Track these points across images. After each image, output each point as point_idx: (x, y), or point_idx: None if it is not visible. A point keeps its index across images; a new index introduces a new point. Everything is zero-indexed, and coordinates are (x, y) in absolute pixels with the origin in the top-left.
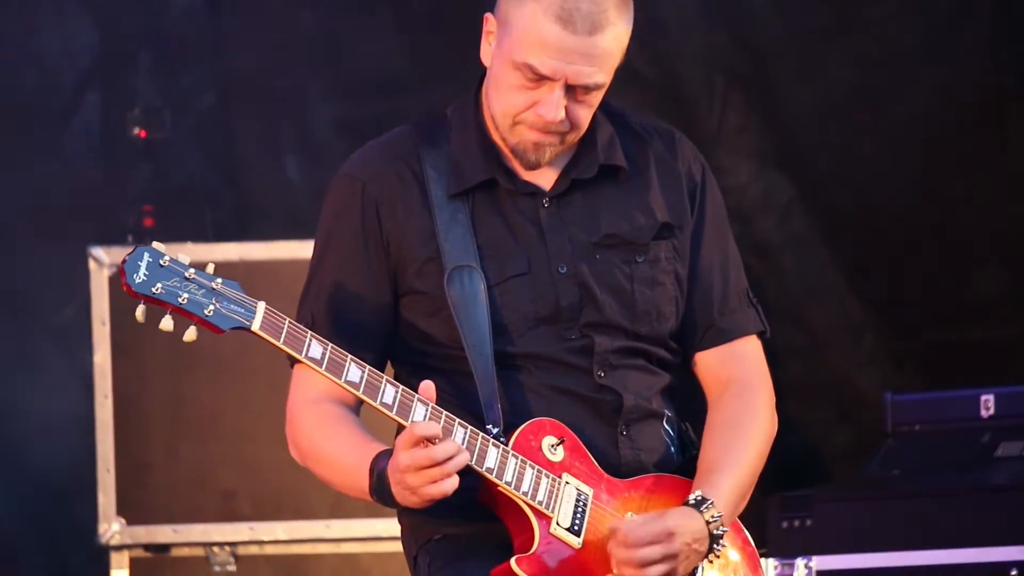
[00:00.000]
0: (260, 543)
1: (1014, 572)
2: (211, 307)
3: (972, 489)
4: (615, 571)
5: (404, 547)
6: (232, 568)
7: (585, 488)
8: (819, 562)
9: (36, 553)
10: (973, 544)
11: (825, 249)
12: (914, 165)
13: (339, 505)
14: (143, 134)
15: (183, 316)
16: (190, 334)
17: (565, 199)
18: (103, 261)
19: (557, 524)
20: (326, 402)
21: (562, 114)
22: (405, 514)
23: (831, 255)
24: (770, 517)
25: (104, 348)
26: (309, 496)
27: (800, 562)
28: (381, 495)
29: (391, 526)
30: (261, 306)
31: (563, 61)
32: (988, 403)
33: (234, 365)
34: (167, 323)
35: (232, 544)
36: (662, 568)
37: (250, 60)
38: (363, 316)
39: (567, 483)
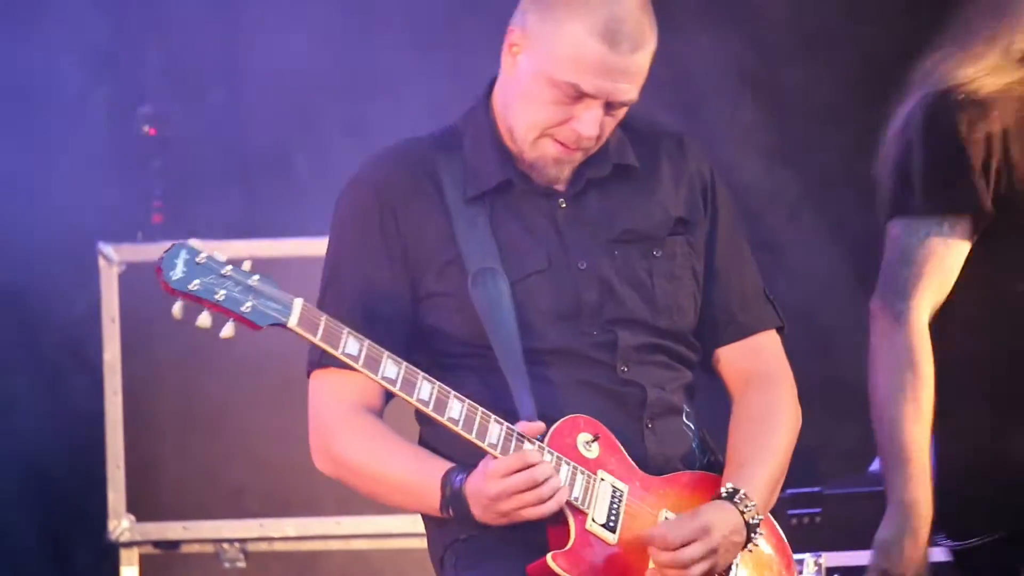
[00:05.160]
0: (270, 539)
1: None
2: (248, 304)
3: None
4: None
5: (429, 547)
6: (242, 564)
7: (620, 485)
8: (829, 558)
9: (46, 550)
10: None
11: (834, 247)
12: None
13: (348, 502)
14: (152, 131)
15: (220, 313)
16: (227, 331)
17: (581, 199)
18: (112, 258)
19: (593, 520)
20: (362, 414)
21: (599, 130)
22: (431, 522)
23: (839, 252)
24: (779, 513)
25: (114, 345)
26: (318, 493)
27: (810, 558)
28: (458, 511)
29: (401, 523)
30: (298, 303)
31: (608, 80)
32: None
33: (244, 362)
34: (204, 320)
35: (242, 540)
36: (704, 565)
37: (259, 57)
38: (388, 319)
39: (602, 480)
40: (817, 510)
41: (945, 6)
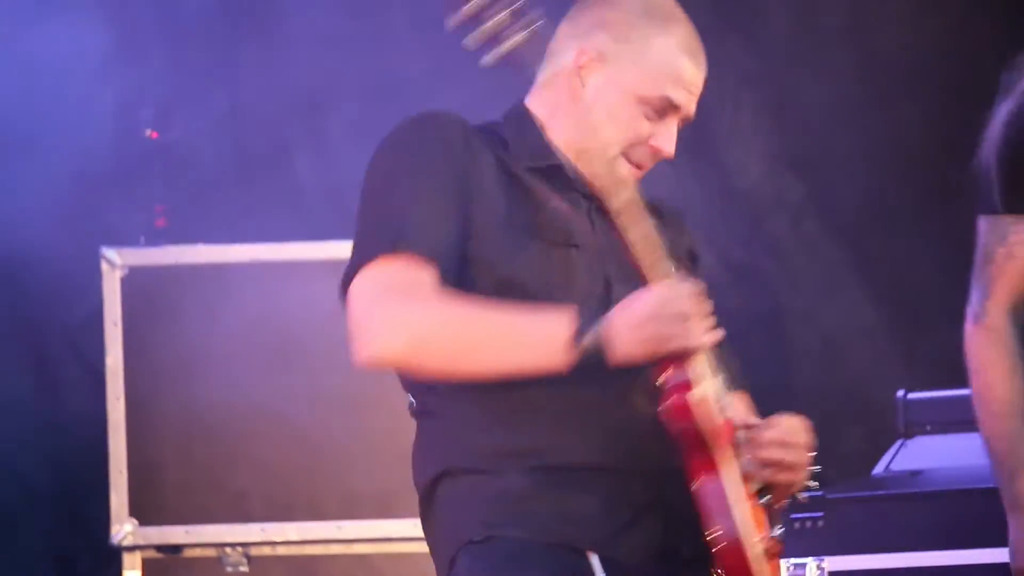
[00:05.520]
0: (272, 544)
1: None
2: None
3: (985, 489)
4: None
5: (438, 547)
6: (244, 569)
7: (722, 381)
8: (831, 562)
9: (48, 554)
10: (986, 544)
11: (838, 249)
12: (927, 164)
13: (351, 506)
14: (155, 135)
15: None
16: (495, 56)
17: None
18: (115, 262)
19: (710, 395)
20: (441, 290)
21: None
22: (445, 511)
23: (844, 255)
24: (782, 516)
25: (116, 349)
26: (321, 497)
27: (812, 562)
28: (591, 343)
29: (402, 527)
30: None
31: (691, 94)
32: None
33: (246, 367)
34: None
35: (244, 545)
36: (807, 456)
37: (262, 61)
38: (459, 238)
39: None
40: (819, 514)
41: (950, 10)
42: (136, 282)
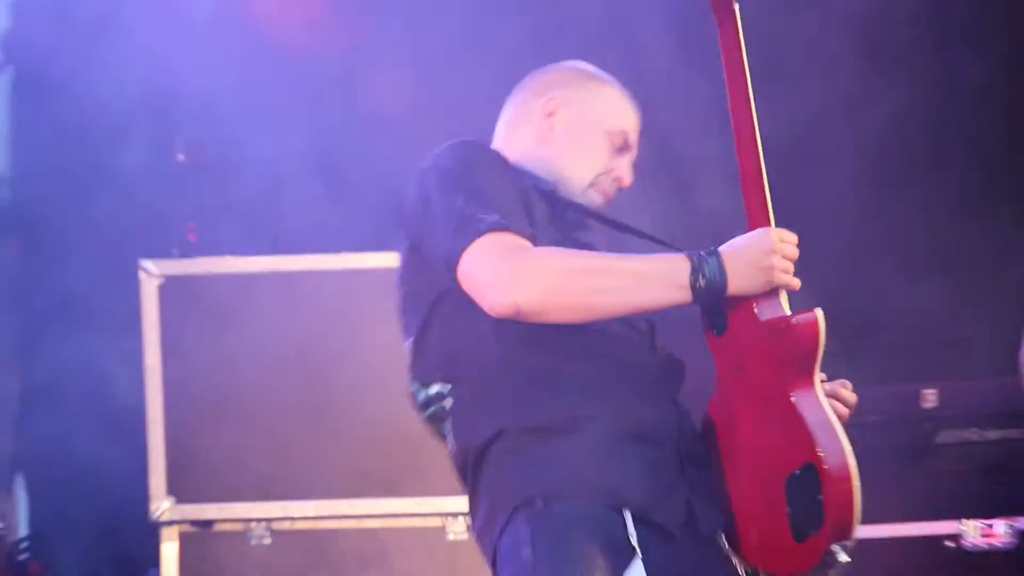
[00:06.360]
0: (292, 519)
1: (947, 543)
2: None
3: (914, 472)
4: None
5: (492, 498)
6: (267, 541)
7: None
8: None
9: (95, 529)
10: (914, 519)
11: (822, 260)
12: (891, 171)
13: (361, 486)
14: (185, 158)
15: None
16: None
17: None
18: (152, 272)
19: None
20: None
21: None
22: (502, 467)
23: (802, 262)
24: None
25: (154, 350)
26: (335, 479)
27: None
28: (709, 269)
29: (407, 504)
30: None
31: (636, 135)
32: (929, 396)
33: (269, 364)
34: None
35: (268, 520)
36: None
37: (280, 91)
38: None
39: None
40: None
41: (919, 20)
42: (171, 290)
